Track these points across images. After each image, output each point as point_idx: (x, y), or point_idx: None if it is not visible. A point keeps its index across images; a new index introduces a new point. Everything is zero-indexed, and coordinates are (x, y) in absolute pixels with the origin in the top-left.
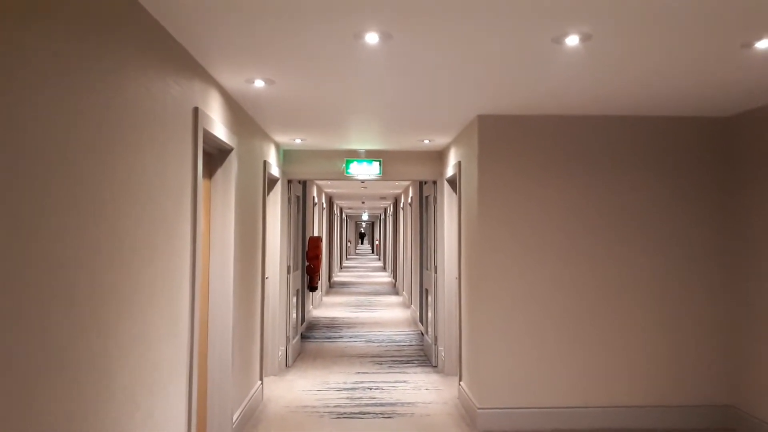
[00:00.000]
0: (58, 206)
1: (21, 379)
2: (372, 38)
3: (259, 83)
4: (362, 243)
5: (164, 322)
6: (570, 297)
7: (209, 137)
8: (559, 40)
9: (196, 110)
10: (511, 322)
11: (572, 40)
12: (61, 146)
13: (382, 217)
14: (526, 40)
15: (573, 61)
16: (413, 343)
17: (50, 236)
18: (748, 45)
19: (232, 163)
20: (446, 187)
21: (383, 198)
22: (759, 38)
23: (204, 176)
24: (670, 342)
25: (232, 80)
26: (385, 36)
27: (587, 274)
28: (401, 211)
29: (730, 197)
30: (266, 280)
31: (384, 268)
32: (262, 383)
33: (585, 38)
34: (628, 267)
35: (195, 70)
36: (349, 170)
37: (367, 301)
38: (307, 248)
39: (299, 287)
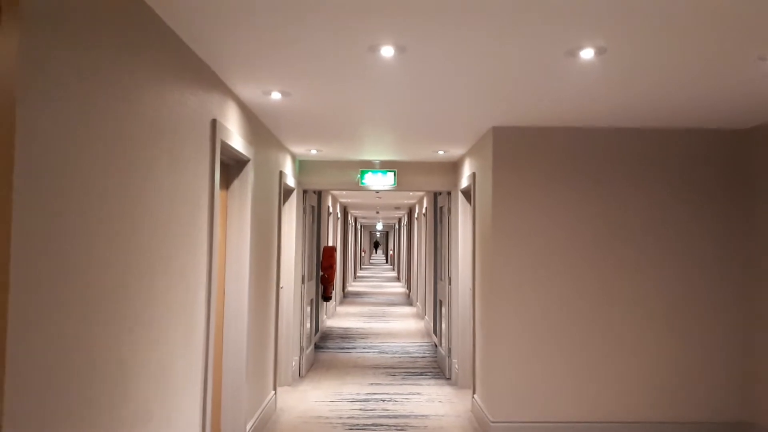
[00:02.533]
0: (75, 214)
1: (34, 384)
2: (387, 51)
3: (275, 95)
4: (376, 252)
5: (179, 331)
6: (584, 310)
7: (226, 148)
8: (573, 53)
9: (214, 122)
10: (524, 335)
11: (587, 53)
12: (79, 155)
13: (397, 227)
14: (541, 54)
15: (587, 73)
16: (427, 355)
17: (67, 244)
18: (765, 57)
19: (249, 173)
20: (461, 198)
21: (397, 208)
22: None
23: (221, 186)
24: (682, 357)
25: (249, 92)
26: (399, 49)
27: (600, 286)
28: (415, 222)
29: (743, 211)
30: (281, 290)
31: (398, 279)
32: (275, 393)
33: (600, 51)
34: (641, 281)
35: (213, 82)
36: (363, 181)
37: (381, 312)
38: (321, 258)
39: (313, 297)
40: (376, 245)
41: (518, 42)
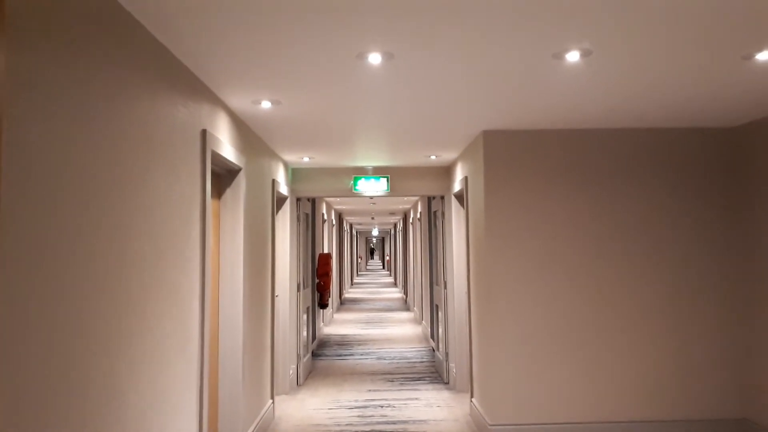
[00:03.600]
0: (68, 226)
1: (30, 396)
2: (375, 58)
3: (266, 104)
4: (372, 258)
5: (174, 341)
6: (580, 311)
7: (217, 158)
8: (559, 55)
9: (204, 132)
10: (521, 338)
11: (573, 56)
12: (71, 168)
13: (392, 232)
14: (527, 57)
15: (574, 76)
16: (424, 360)
17: (63, 255)
18: (749, 57)
19: (241, 182)
20: (454, 202)
21: (392, 213)
22: (759, 50)
23: (213, 196)
24: (680, 355)
25: (239, 102)
26: (387, 56)
27: (595, 287)
28: (410, 226)
29: (736, 208)
30: (276, 298)
31: (395, 284)
32: (273, 402)
33: (585, 54)
34: (635, 280)
35: (203, 93)
36: (357, 187)
37: (378, 318)
38: (317, 265)
39: (309, 305)
40: (372, 251)
41: (504, 46)
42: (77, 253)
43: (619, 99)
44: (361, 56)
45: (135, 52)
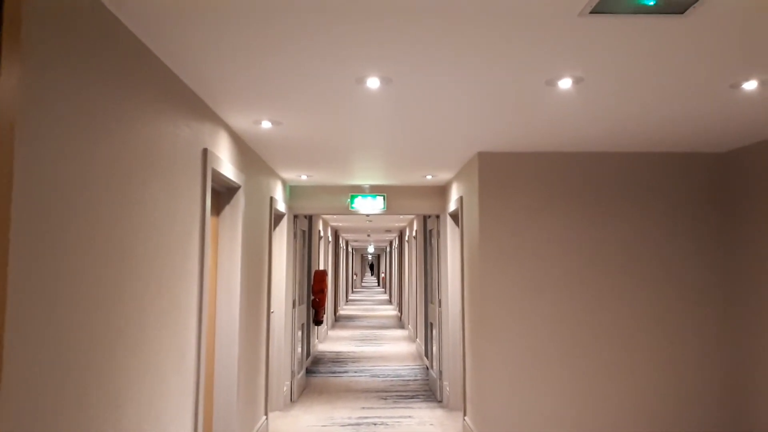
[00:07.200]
0: (74, 239)
1: (29, 403)
2: (373, 83)
3: (266, 124)
4: (371, 274)
5: (171, 357)
6: (573, 331)
7: (218, 176)
8: (552, 82)
9: (205, 151)
10: (514, 356)
11: (565, 83)
12: (79, 183)
13: (388, 249)
14: (521, 83)
15: (566, 102)
16: (418, 378)
17: (66, 268)
18: (736, 86)
19: (240, 200)
20: (449, 221)
21: (388, 231)
22: (746, 79)
23: (212, 213)
24: (674, 375)
25: (240, 122)
26: (385, 80)
27: (589, 307)
28: (406, 244)
29: (726, 231)
30: (272, 315)
31: (390, 302)
32: (267, 418)
33: (577, 81)
34: (628, 300)
35: (205, 113)
36: (353, 205)
37: (373, 335)
38: (312, 282)
39: (305, 321)
40: (371, 267)
41: (499, 72)
42: (79, 266)
43: (610, 124)
44: (360, 80)
45: (142, 74)
